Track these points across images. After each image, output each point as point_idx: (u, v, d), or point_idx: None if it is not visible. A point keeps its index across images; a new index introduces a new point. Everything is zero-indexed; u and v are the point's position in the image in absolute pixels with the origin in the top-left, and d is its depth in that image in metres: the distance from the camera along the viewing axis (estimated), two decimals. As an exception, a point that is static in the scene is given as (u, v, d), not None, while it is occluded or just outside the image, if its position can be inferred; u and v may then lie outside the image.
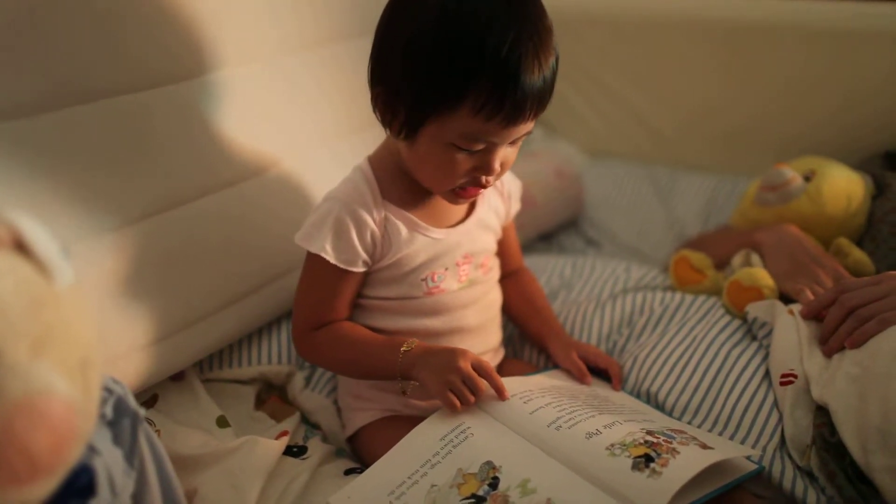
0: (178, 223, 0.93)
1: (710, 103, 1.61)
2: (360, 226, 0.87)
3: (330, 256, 0.86)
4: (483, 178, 0.84)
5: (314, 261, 0.88)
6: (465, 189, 0.86)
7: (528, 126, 0.81)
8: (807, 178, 1.16)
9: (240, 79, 1.01)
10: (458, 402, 0.82)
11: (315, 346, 0.92)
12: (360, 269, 0.89)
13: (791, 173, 1.15)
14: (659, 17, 1.64)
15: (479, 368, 0.84)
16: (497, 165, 0.83)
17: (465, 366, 0.82)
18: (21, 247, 0.45)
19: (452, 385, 0.82)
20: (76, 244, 0.83)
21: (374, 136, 1.18)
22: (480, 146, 0.81)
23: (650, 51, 1.66)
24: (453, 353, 0.83)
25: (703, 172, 1.61)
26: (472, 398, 0.82)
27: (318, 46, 1.14)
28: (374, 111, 0.85)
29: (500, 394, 0.84)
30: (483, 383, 0.83)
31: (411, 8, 0.79)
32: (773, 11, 1.51)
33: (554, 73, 0.80)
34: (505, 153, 0.83)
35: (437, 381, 0.82)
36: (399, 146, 0.87)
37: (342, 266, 0.87)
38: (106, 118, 0.87)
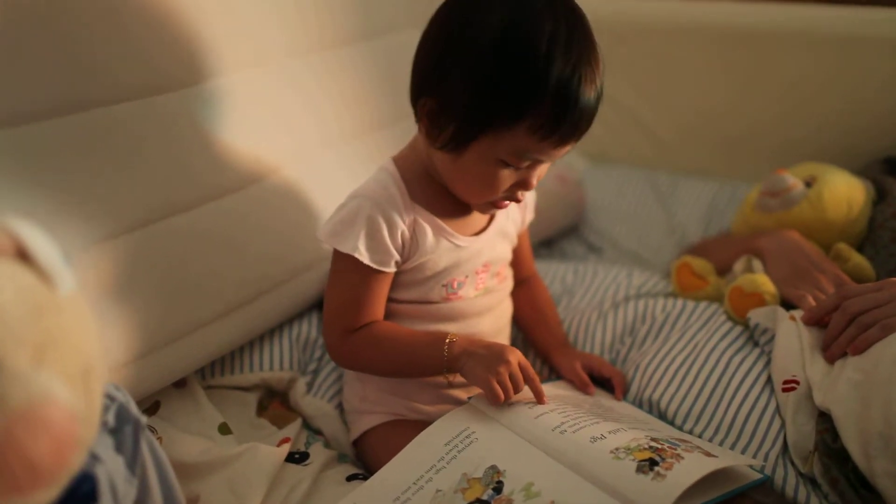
0: (181, 230, 0.94)
1: (712, 109, 1.61)
2: (392, 226, 0.86)
3: (364, 257, 0.85)
4: (518, 193, 0.86)
5: (346, 261, 0.87)
6: (500, 201, 0.87)
7: (574, 144, 0.82)
8: (808, 184, 1.16)
9: (243, 84, 1.01)
10: (501, 394, 0.82)
11: (354, 349, 0.90)
12: (392, 269, 0.89)
13: (792, 179, 1.15)
14: (660, 22, 1.64)
15: (525, 370, 0.85)
16: (535, 181, 0.85)
17: (514, 361, 0.84)
18: (22, 254, 0.45)
19: (500, 377, 0.82)
20: (75, 253, 0.83)
21: (377, 140, 1.19)
22: (527, 163, 0.82)
23: (651, 56, 1.66)
24: (504, 348, 0.85)
25: (704, 178, 1.61)
26: (512, 394, 0.83)
27: (324, 50, 1.15)
28: (418, 122, 0.85)
29: (539, 398, 0.85)
30: (523, 383, 0.84)
31: (473, 23, 0.78)
32: (774, 17, 1.51)
33: (602, 89, 0.81)
34: (542, 168, 0.85)
35: (485, 371, 0.83)
36: (436, 157, 0.86)
37: (375, 266, 0.87)
38: (103, 127, 0.87)
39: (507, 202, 0.88)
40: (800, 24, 1.48)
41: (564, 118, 0.77)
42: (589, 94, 0.78)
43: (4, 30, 0.78)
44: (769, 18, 1.52)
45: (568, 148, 0.82)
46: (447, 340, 0.86)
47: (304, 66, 1.12)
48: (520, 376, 0.83)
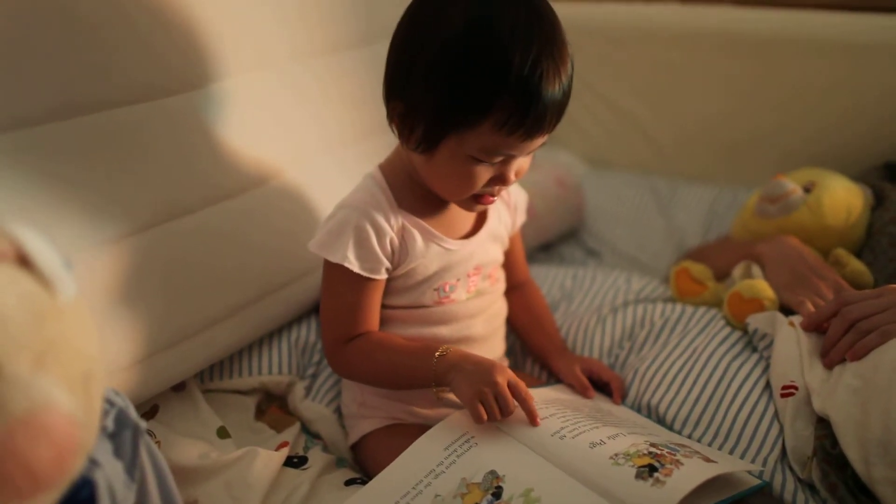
0: (181, 233, 0.93)
1: (711, 114, 1.61)
2: (380, 233, 0.86)
3: (353, 266, 0.85)
4: (496, 189, 0.85)
5: (337, 271, 0.87)
6: (483, 197, 0.86)
7: (545, 138, 0.82)
8: (807, 190, 1.16)
9: (244, 88, 1.01)
10: (485, 415, 0.79)
11: (349, 359, 0.90)
12: (384, 276, 0.89)
13: (791, 185, 1.15)
14: (660, 28, 1.64)
15: (514, 389, 0.81)
16: (513, 176, 0.84)
17: (502, 382, 0.81)
18: (23, 260, 0.45)
19: (484, 397, 0.80)
20: (76, 255, 0.83)
21: (377, 144, 1.19)
22: (499, 158, 0.81)
23: (651, 62, 1.66)
24: (492, 366, 0.82)
25: (704, 183, 1.61)
26: (499, 415, 0.80)
27: (324, 54, 1.15)
28: (390, 125, 0.86)
29: (532, 420, 0.81)
30: (514, 404, 0.81)
31: (432, 25, 0.79)
32: (775, 23, 1.52)
33: (571, 84, 0.81)
34: (520, 163, 0.84)
35: (470, 389, 0.81)
36: (414, 158, 0.86)
37: (366, 275, 0.87)
38: (107, 129, 0.87)
39: (491, 197, 0.87)
40: (800, 30, 1.49)
41: (528, 114, 0.77)
42: (553, 87, 0.77)
43: (15, 32, 0.79)
44: (769, 25, 1.52)
45: (539, 142, 0.82)
46: (437, 354, 0.85)
47: (305, 70, 1.12)
48: (507, 397, 0.80)
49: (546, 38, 0.77)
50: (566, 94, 0.80)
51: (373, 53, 1.22)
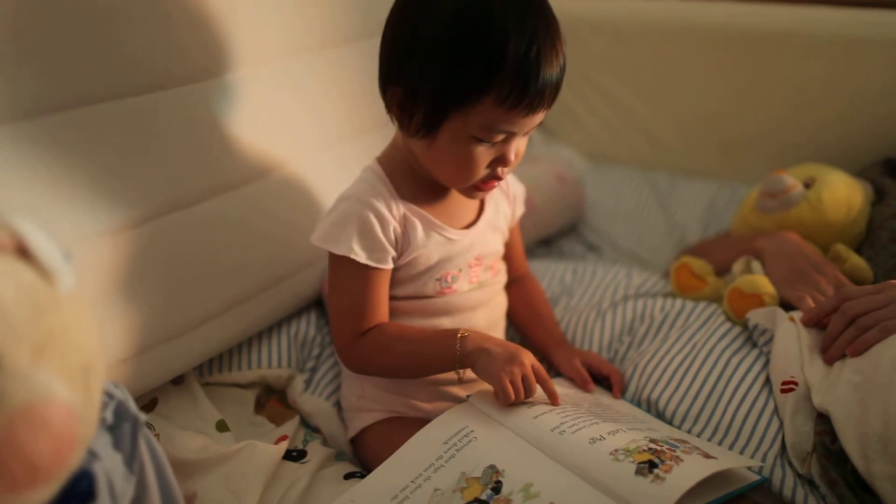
0: (181, 226, 0.93)
1: (711, 110, 1.61)
2: (383, 222, 0.86)
3: (360, 257, 0.85)
4: (500, 170, 0.85)
5: (343, 265, 0.87)
6: (485, 182, 0.87)
7: (544, 114, 0.83)
8: (807, 185, 1.16)
9: (245, 82, 1.01)
10: (513, 394, 0.82)
11: (365, 352, 0.90)
12: (390, 265, 0.89)
13: (791, 180, 1.15)
14: (661, 23, 1.64)
15: (538, 372, 0.85)
16: (513, 156, 0.84)
17: (528, 364, 0.84)
18: (23, 251, 0.44)
19: (513, 376, 0.83)
20: (76, 246, 0.82)
21: (377, 139, 1.19)
22: (501, 136, 0.82)
23: (652, 57, 1.66)
24: (519, 349, 0.85)
25: (704, 179, 1.61)
26: (523, 396, 0.83)
27: (324, 49, 1.14)
28: (389, 113, 0.86)
29: (553, 399, 0.85)
30: (536, 386, 0.84)
31: (425, 9, 0.79)
32: (774, 19, 1.51)
33: (565, 63, 0.81)
34: (518, 144, 0.85)
35: (498, 369, 0.83)
36: (414, 146, 0.86)
37: (373, 264, 0.87)
38: (110, 120, 0.86)
39: (493, 181, 0.87)
40: (799, 25, 1.48)
41: (528, 87, 0.77)
42: (550, 62, 0.78)
43: (29, 21, 0.78)
44: (769, 19, 1.52)
45: (538, 117, 0.82)
46: (459, 335, 0.86)
47: (304, 65, 1.11)
48: (532, 379, 0.84)
49: (539, 17, 0.78)
50: (562, 71, 0.81)
51: (371, 47, 1.21)
